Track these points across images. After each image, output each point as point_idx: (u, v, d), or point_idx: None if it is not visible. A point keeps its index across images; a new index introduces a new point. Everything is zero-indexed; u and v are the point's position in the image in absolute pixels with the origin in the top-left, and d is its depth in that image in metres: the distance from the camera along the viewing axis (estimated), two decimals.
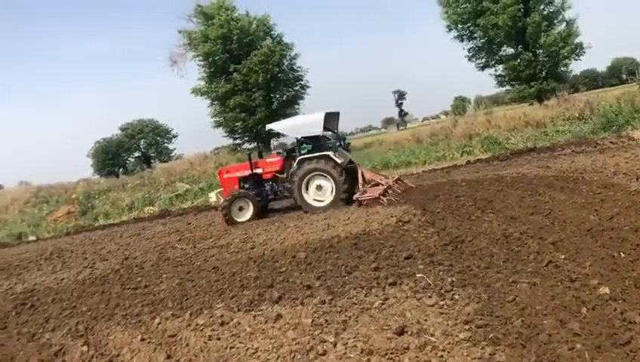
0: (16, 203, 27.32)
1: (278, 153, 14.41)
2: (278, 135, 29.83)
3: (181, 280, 7.46)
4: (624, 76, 69.08)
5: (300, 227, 10.18)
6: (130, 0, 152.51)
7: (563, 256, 5.59)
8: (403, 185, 13.20)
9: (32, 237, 21.48)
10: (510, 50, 35.10)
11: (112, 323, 5.93)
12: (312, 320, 4.74)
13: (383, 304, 4.94)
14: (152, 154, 66.04)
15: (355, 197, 12.50)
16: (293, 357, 4.04)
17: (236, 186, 13.54)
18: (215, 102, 35.77)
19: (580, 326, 3.93)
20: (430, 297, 4.92)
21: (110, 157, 63.28)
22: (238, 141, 37.20)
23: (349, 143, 15.02)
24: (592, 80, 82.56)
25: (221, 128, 36.11)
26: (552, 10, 33.39)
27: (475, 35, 34.81)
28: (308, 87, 36.88)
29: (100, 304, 6.94)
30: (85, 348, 5.24)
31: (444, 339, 3.98)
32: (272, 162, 13.83)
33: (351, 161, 13.37)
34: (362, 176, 13.25)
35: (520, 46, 34.00)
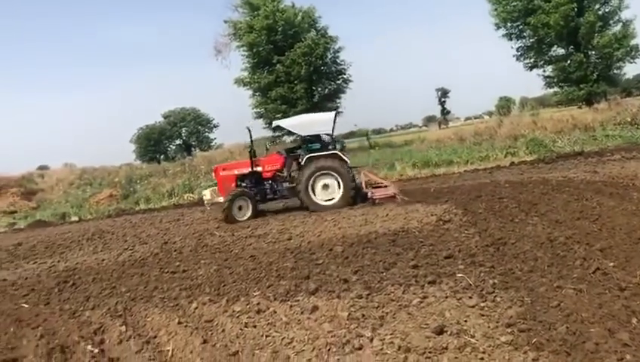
0: (61, 184, 28.13)
1: (278, 152, 14.02)
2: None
3: (219, 266, 7.52)
4: None
5: (337, 221, 10.13)
6: None
7: (612, 264, 5.39)
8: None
9: (74, 218, 22.09)
10: (560, 51, 34.21)
11: (150, 305, 6.01)
12: (349, 314, 4.68)
13: (421, 302, 4.84)
14: (193, 143, 67.14)
15: (369, 195, 12.46)
16: (329, 350, 4.00)
17: (233, 184, 13.05)
18: (257, 93, 36.08)
19: (630, 336, 3.77)
20: (471, 298, 4.80)
21: (152, 144, 64.67)
22: (277, 133, 37.45)
23: (344, 146, 14.64)
24: None
25: (262, 119, 36.40)
26: (607, 10, 32.30)
27: (525, 33, 33.99)
28: (350, 81, 36.78)
29: (139, 286, 7.05)
30: (123, 327, 5.32)
31: (485, 341, 3.87)
32: (273, 160, 13.47)
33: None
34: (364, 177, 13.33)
35: (571, 46, 33.03)
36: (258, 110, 35.99)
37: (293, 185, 12.86)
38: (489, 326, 4.14)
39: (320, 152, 12.77)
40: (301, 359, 3.90)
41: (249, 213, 12.56)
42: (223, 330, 4.83)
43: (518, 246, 6.55)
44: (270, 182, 13.32)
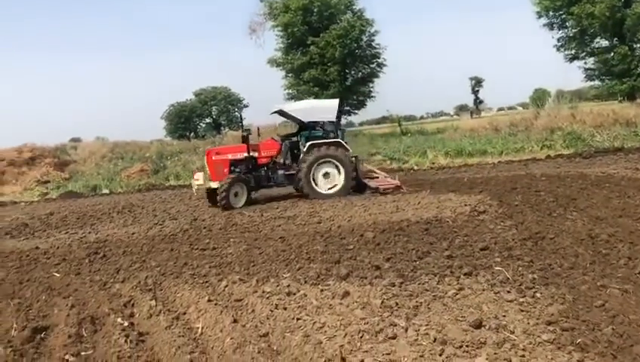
0: (93, 156, 28.49)
1: (273, 138, 13.60)
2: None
3: (248, 246, 7.48)
4: None
5: (368, 207, 10.00)
6: None
7: None
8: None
9: (105, 191, 22.43)
10: (604, 43, 33.01)
11: (179, 281, 6.00)
12: (382, 302, 4.56)
13: (457, 294, 4.69)
14: (223, 122, 67.33)
15: (373, 185, 12.28)
16: (362, 337, 3.89)
17: (226, 169, 12.30)
18: (289, 75, 35.83)
19: None
20: (509, 292, 4.64)
21: (182, 121, 64.99)
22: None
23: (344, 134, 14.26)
24: None
25: (293, 101, 36.21)
26: None
27: (567, 23, 32.89)
28: (384, 65, 36.16)
29: (169, 261, 7.05)
30: (153, 302, 5.31)
31: (525, 338, 3.70)
32: (270, 146, 13.04)
33: None
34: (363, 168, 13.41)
35: (615, 38, 31.84)
36: (290, 91, 35.81)
37: (291, 172, 12.61)
38: (529, 323, 3.98)
39: (322, 140, 12.58)
40: (333, 344, 3.79)
41: (243, 200, 12.08)
42: (253, 310, 4.77)
43: (557, 241, 6.33)
44: (265, 168, 12.87)
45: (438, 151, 20.75)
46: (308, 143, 12.37)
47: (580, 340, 3.61)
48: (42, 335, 4.69)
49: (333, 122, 13.36)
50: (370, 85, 36.43)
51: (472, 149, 20.31)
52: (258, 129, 13.79)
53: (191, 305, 5.12)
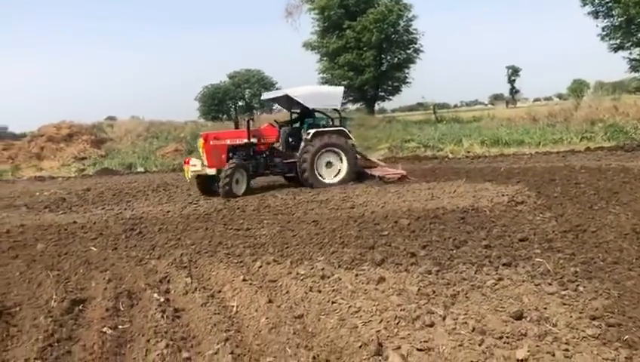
0: (129, 135, 28.86)
1: (271, 124, 13.04)
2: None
3: (282, 228, 7.48)
4: None
5: (402, 194, 9.90)
6: None
7: None
8: None
9: (140, 169, 22.74)
10: None
11: (214, 260, 6.03)
12: (419, 289, 4.50)
13: (496, 284, 4.59)
14: (256, 105, 67.52)
15: (378, 175, 12.06)
16: (398, 323, 3.83)
17: (224, 156, 11.67)
18: (324, 58, 35.64)
19: None
20: (550, 284, 4.51)
21: (216, 103, 65.42)
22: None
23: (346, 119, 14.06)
24: None
25: (327, 85, 36.02)
26: None
27: (614, 12, 31.63)
28: (421, 51, 35.65)
29: (204, 240, 7.11)
30: (189, 279, 5.35)
31: (568, 332, 3.59)
32: (270, 132, 12.52)
33: None
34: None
35: None
36: (324, 75, 35.62)
37: (291, 160, 12.34)
38: (571, 316, 3.86)
39: (325, 128, 12.39)
40: (369, 329, 3.75)
41: (244, 188, 11.60)
42: (288, 292, 4.76)
43: (600, 235, 6.14)
44: (265, 155, 12.38)
45: (474, 139, 20.34)
46: (312, 131, 12.11)
47: (627, 337, 3.48)
48: (80, 307, 4.77)
49: (337, 110, 13.20)
50: (406, 71, 36.02)
51: (509, 139, 19.84)
52: (251, 116, 13.61)
53: (226, 283, 5.14)
